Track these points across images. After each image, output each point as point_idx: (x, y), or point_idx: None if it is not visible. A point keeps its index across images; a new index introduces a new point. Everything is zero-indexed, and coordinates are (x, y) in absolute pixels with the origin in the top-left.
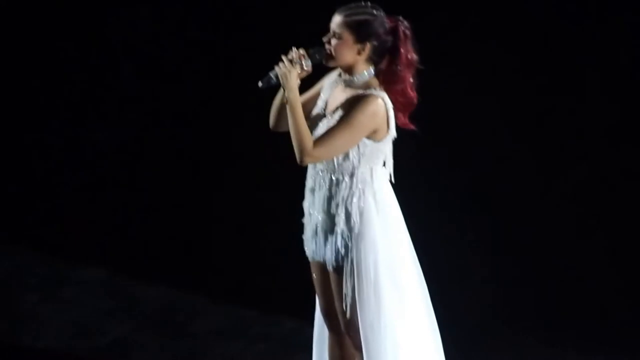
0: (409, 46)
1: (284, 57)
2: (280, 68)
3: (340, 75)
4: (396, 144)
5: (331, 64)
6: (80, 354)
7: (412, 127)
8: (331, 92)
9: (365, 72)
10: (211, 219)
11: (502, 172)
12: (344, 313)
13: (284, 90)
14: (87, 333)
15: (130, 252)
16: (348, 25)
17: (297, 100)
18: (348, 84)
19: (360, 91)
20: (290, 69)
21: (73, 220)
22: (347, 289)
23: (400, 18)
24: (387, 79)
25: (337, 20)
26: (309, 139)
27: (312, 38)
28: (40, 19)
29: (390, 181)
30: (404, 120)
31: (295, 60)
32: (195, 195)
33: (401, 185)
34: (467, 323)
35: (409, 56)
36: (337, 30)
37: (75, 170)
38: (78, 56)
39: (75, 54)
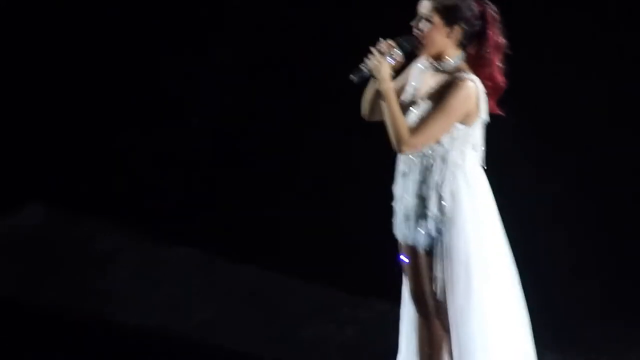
0: (497, 30)
1: (373, 50)
2: (371, 61)
3: (429, 60)
4: (489, 127)
5: (422, 52)
6: (170, 333)
7: (501, 112)
8: (421, 77)
9: (455, 56)
10: (302, 201)
11: (603, 159)
12: (434, 296)
13: (377, 82)
14: (177, 312)
15: (222, 232)
16: (437, 9)
17: (391, 91)
18: (438, 69)
19: (451, 75)
20: (381, 61)
21: (165, 200)
22: (437, 272)
23: (488, 1)
24: (475, 63)
25: (425, 4)
26: (405, 128)
27: (400, 28)
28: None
29: (482, 165)
30: (492, 105)
31: (385, 51)
32: (285, 177)
33: (493, 170)
34: (557, 311)
35: (497, 40)
36: (426, 14)
37: (170, 153)
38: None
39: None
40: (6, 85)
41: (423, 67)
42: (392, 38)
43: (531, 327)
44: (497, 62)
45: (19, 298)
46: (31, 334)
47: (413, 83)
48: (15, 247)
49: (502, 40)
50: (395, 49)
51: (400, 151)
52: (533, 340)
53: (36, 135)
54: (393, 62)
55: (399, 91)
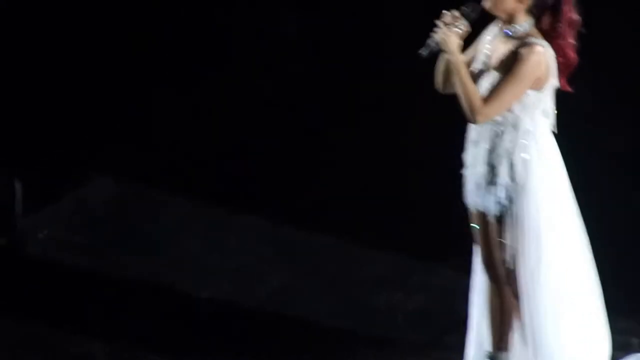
0: (572, 5)
1: (439, 22)
2: (438, 34)
3: (500, 27)
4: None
5: (492, 10)
6: (243, 303)
7: (570, 89)
8: (491, 45)
9: (526, 22)
10: (372, 168)
11: None
12: (505, 263)
13: (446, 54)
14: (249, 282)
15: (291, 200)
16: None
17: (461, 62)
18: (508, 36)
19: (521, 41)
20: (448, 33)
21: (231, 169)
22: (508, 239)
23: None
24: (547, 37)
25: None
26: (478, 98)
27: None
28: None
29: (552, 131)
30: (563, 82)
31: (450, 23)
32: (355, 143)
33: (563, 136)
34: (629, 276)
35: (571, 15)
36: None
37: (237, 121)
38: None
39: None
40: (74, 56)
41: (493, 35)
42: (457, 8)
43: (602, 294)
44: (570, 38)
45: (92, 268)
46: (103, 303)
47: (484, 51)
48: (86, 219)
49: (576, 16)
50: (460, 20)
51: (475, 121)
52: (604, 307)
53: (104, 107)
54: (460, 33)
55: (471, 61)
